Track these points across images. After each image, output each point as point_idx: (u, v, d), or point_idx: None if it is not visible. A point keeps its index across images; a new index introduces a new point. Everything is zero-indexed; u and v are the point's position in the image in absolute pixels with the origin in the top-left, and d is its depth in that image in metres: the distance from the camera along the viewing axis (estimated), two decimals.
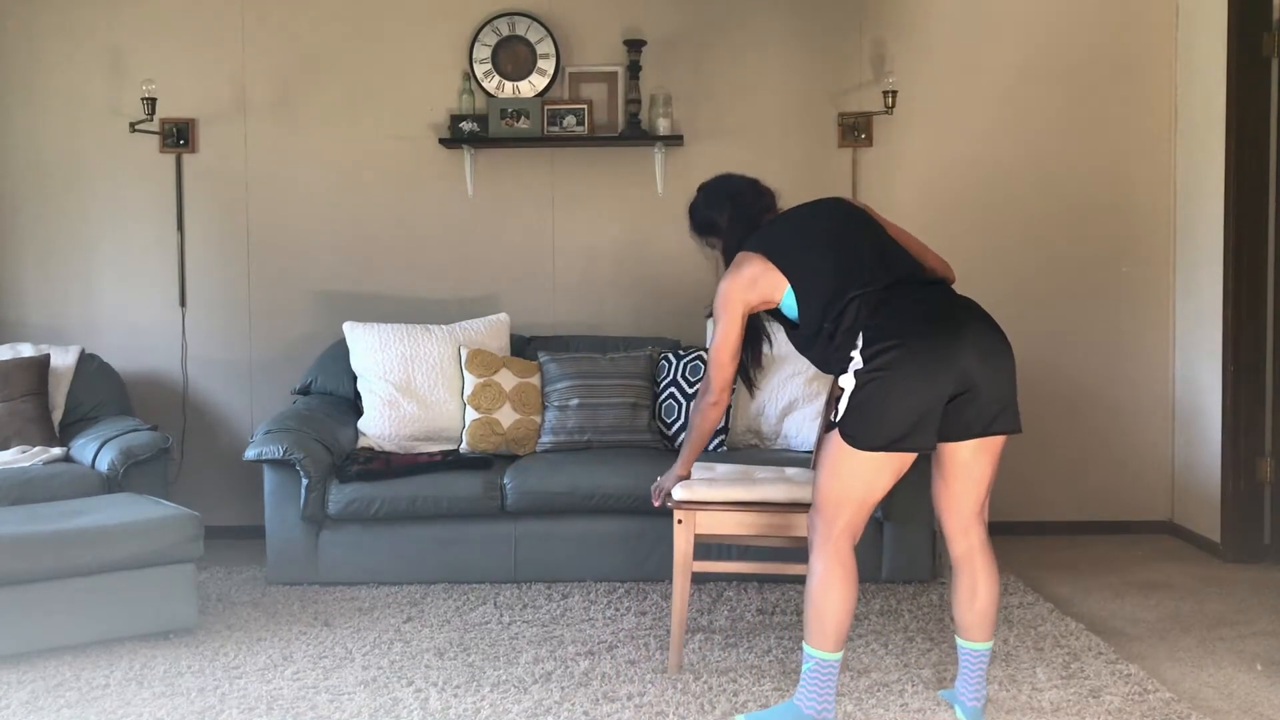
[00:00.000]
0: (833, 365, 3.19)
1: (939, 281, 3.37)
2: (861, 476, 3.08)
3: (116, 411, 5.13)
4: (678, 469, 3.63)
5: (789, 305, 3.26)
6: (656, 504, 3.69)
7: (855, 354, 3.07)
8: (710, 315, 3.49)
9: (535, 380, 5.05)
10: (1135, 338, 5.50)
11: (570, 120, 5.35)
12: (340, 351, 5.19)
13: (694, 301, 5.43)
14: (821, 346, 3.21)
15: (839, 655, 3.09)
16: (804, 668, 3.11)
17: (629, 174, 5.47)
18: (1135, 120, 5.46)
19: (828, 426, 3.19)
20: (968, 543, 3.29)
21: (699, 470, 3.81)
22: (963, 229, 5.48)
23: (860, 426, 3.03)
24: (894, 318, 3.10)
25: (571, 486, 4.54)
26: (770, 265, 3.25)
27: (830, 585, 3.08)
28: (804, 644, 3.11)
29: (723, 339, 3.33)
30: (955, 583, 3.25)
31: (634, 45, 5.34)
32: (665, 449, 4.98)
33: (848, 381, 3.07)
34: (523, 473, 4.65)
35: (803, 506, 3.61)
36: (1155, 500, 5.53)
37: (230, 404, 5.57)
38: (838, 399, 3.12)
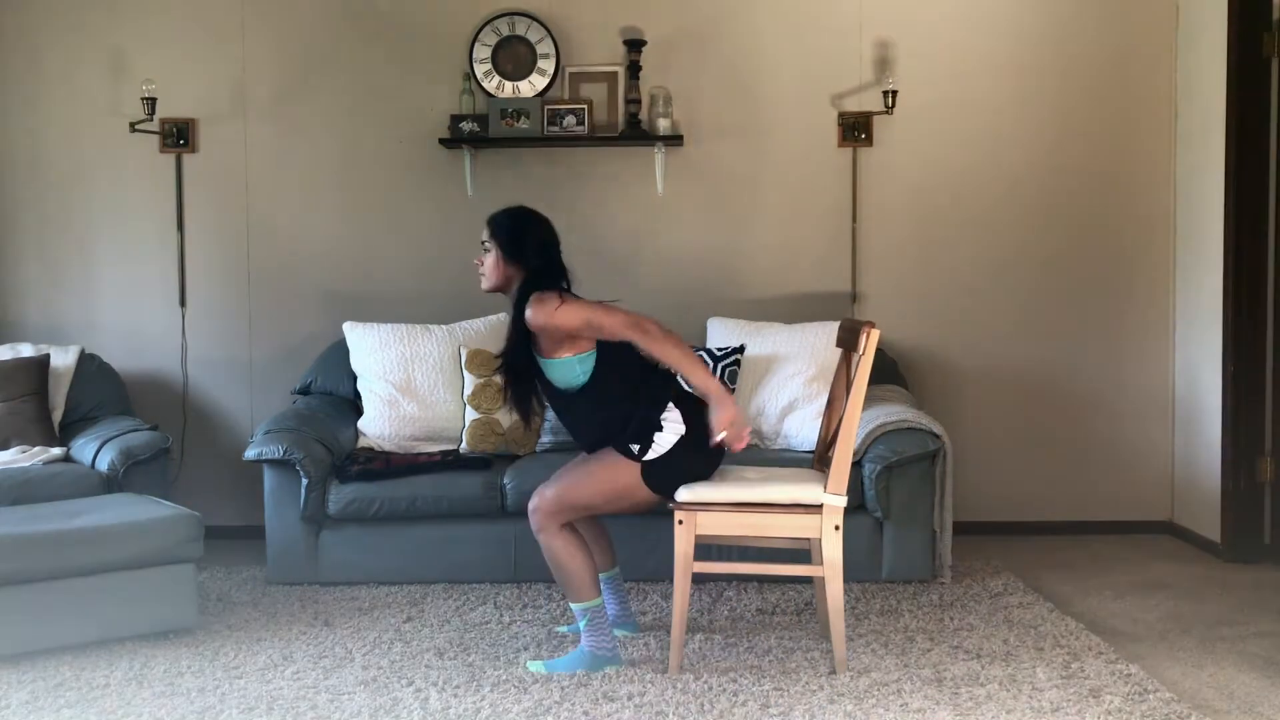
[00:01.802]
0: (619, 434, 3.60)
1: None
2: (619, 504, 3.66)
3: (116, 411, 5.13)
4: (726, 395, 3.55)
5: (573, 368, 3.59)
6: (741, 447, 3.61)
7: (674, 420, 3.58)
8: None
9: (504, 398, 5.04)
10: (1135, 338, 5.50)
11: (570, 120, 5.35)
12: (340, 351, 5.19)
13: (694, 301, 5.44)
14: (613, 406, 3.62)
15: (600, 598, 3.65)
16: (581, 624, 3.63)
17: (629, 174, 5.47)
18: (1135, 120, 5.46)
19: (627, 451, 3.59)
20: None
21: None
22: (963, 229, 5.48)
23: (661, 477, 3.58)
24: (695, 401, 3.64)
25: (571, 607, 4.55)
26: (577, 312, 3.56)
27: (572, 552, 3.62)
28: (572, 605, 3.64)
29: (606, 317, 3.54)
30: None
31: (634, 45, 5.34)
32: None
33: (668, 437, 3.56)
34: (523, 473, 4.65)
35: (803, 507, 3.61)
36: (1155, 500, 5.53)
37: (230, 404, 5.57)
38: (648, 440, 3.56)
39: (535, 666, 3.64)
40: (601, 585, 3.87)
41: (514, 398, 3.74)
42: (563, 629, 4.06)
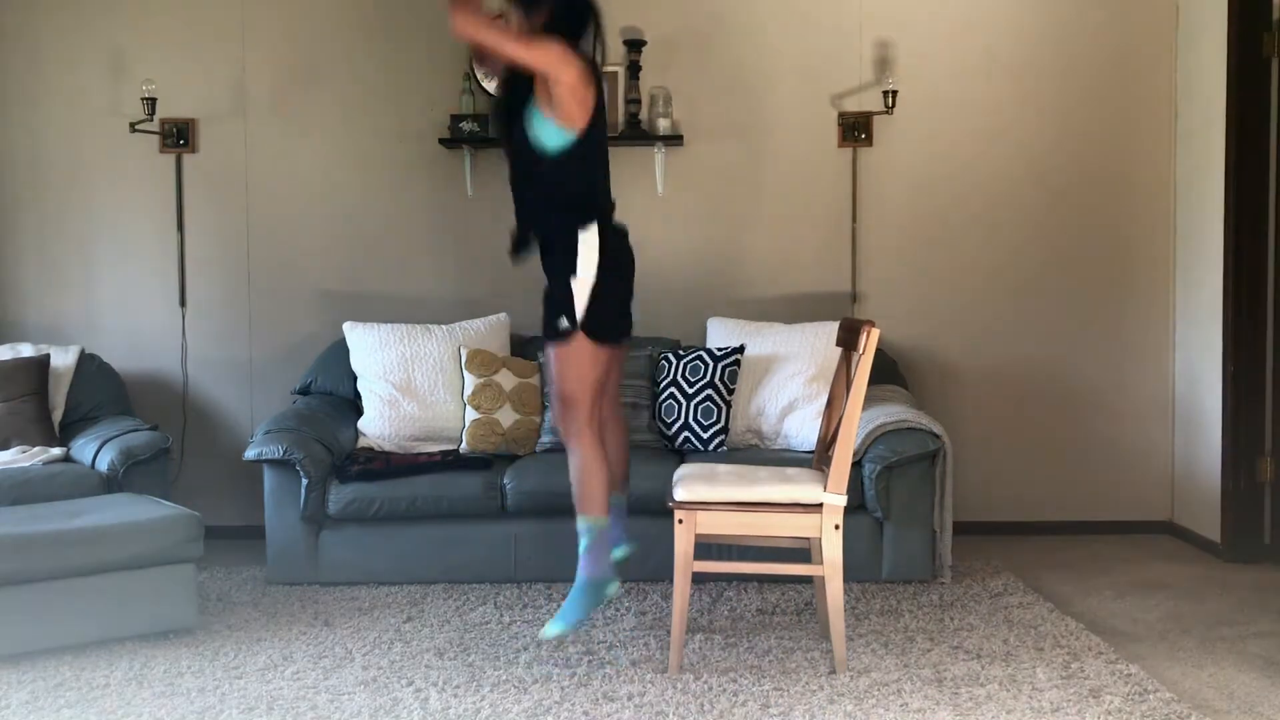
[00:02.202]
0: (563, 210, 3.70)
1: None
2: (597, 372, 3.73)
3: (116, 411, 5.13)
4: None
5: (553, 133, 3.64)
6: None
7: (591, 233, 3.67)
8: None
9: (535, 380, 5.05)
10: (1135, 337, 5.50)
11: None
12: (340, 351, 5.19)
13: (694, 301, 5.44)
14: (570, 186, 3.71)
15: (607, 519, 3.71)
16: (584, 542, 3.66)
17: (629, 174, 5.46)
18: (1135, 120, 5.46)
19: (561, 334, 3.70)
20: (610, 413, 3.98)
21: (699, 470, 3.81)
22: (963, 229, 5.48)
23: (598, 326, 3.69)
24: (620, 237, 3.82)
25: (571, 487, 4.54)
26: (592, 99, 3.67)
27: (597, 462, 3.69)
28: (579, 519, 3.68)
29: (537, 51, 3.60)
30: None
31: (634, 45, 5.34)
32: (665, 449, 4.98)
33: (585, 279, 3.66)
34: (523, 473, 4.65)
35: (803, 506, 3.61)
36: (1155, 500, 5.53)
37: (230, 404, 5.57)
38: (564, 300, 3.67)
39: (550, 631, 3.66)
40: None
41: (497, 122, 3.89)
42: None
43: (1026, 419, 5.53)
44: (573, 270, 3.69)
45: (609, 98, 5.39)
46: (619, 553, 3.98)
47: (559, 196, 3.73)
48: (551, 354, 3.79)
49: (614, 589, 3.72)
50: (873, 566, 4.57)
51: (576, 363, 3.72)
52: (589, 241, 3.69)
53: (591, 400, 3.75)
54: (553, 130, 3.66)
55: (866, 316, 5.39)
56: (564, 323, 3.70)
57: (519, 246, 3.85)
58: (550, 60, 3.59)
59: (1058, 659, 3.72)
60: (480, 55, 4.00)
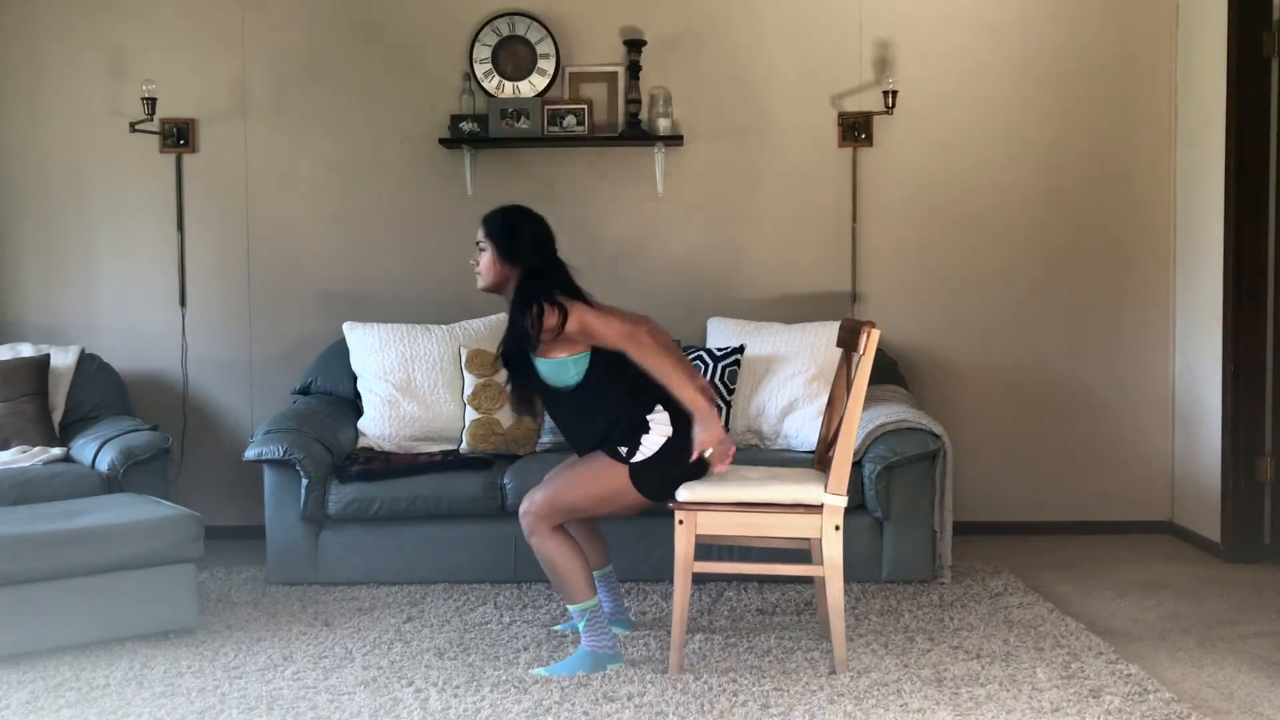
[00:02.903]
0: (609, 430, 3.65)
1: None
2: (608, 507, 3.70)
3: (116, 411, 5.13)
4: (711, 413, 3.57)
5: (566, 369, 3.62)
6: (723, 468, 3.64)
7: (661, 420, 3.62)
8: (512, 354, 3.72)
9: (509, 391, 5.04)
10: (1135, 337, 5.50)
11: (570, 120, 5.35)
12: (340, 351, 5.19)
13: (694, 302, 5.43)
14: (605, 403, 3.66)
15: (597, 597, 3.67)
16: (581, 624, 3.65)
17: (629, 174, 5.47)
18: (1135, 120, 5.46)
19: (615, 455, 3.62)
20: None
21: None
22: (963, 229, 5.48)
23: (650, 479, 3.62)
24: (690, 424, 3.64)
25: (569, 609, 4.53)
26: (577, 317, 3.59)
27: (565, 553, 3.63)
28: (569, 607, 3.65)
29: (603, 326, 3.58)
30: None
31: (634, 45, 5.34)
32: None
33: (655, 439, 3.60)
34: (523, 473, 4.65)
35: (803, 507, 3.61)
36: (1155, 500, 5.53)
37: (230, 404, 5.57)
38: (636, 442, 3.60)
39: (539, 672, 3.63)
40: (596, 583, 3.88)
41: (514, 395, 3.78)
42: (560, 628, 4.07)
43: (1026, 419, 5.53)
44: (646, 428, 3.62)
45: (609, 98, 5.42)
46: (619, 629, 3.98)
47: (594, 422, 3.68)
48: (584, 461, 3.71)
49: (616, 666, 3.65)
50: (873, 566, 4.57)
51: (603, 487, 3.65)
52: (660, 424, 3.62)
53: (573, 517, 3.71)
54: (562, 366, 3.62)
55: (866, 317, 5.39)
56: (623, 449, 3.62)
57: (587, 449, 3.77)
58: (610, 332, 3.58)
59: (1058, 659, 3.72)
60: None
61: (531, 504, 3.67)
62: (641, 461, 3.61)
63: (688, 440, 3.59)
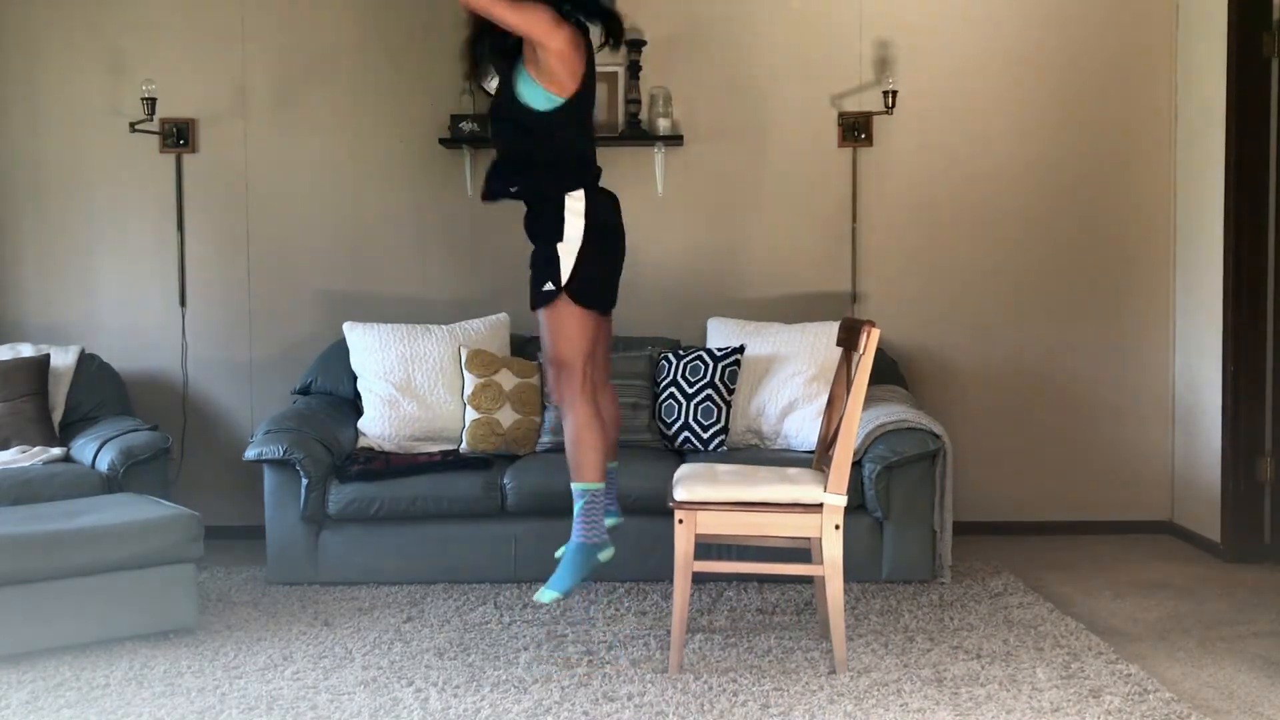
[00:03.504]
0: (547, 170, 3.73)
1: None
2: (586, 337, 3.76)
3: (116, 411, 5.13)
4: None
5: (540, 95, 3.67)
6: None
7: (577, 199, 3.70)
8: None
9: (535, 380, 5.05)
10: (1135, 338, 5.50)
11: None
12: (340, 351, 5.19)
13: (694, 302, 5.44)
14: (555, 152, 3.74)
15: (603, 484, 3.75)
16: (578, 506, 3.71)
17: (629, 174, 5.46)
18: (1135, 120, 5.46)
19: (548, 294, 3.71)
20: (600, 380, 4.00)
21: (700, 470, 3.81)
22: (962, 229, 5.48)
23: (584, 292, 3.71)
24: (608, 201, 3.83)
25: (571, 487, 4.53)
26: (581, 67, 3.69)
27: (591, 425, 3.72)
28: (574, 484, 3.72)
29: (525, 15, 3.59)
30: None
31: (634, 45, 5.34)
32: (665, 449, 4.98)
33: (571, 243, 3.68)
34: (523, 473, 4.65)
35: (803, 506, 3.61)
36: (1155, 500, 5.53)
37: (230, 404, 5.57)
38: (556, 270, 3.69)
39: (543, 596, 3.69)
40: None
41: (470, 46, 3.89)
42: (558, 554, 4.01)
43: (1026, 419, 5.53)
44: (558, 235, 3.72)
45: (609, 98, 5.42)
46: (610, 520, 3.98)
47: (543, 156, 3.76)
48: (541, 319, 3.81)
49: (608, 555, 3.74)
50: (873, 566, 4.57)
51: (565, 327, 3.75)
52: (575, 207, 3.72)
53: (583, 365, 3.77)
54: (539, 92, 3.69)
55: (866, 316, 5.39)
56: (549, 286, 3.72)
57: (492, 194, 3.87)
58: (537, 26, 3.60)
59: (1058, 659, 3.72)
60: (474, 15, 3.91)
61: (551, 383, 3.86)
62: (570, 283, 3.69)
63: (596, 247, 3.72)
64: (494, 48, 3.83)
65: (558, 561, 3.88)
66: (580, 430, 3.74)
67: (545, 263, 3.75)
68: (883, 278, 5.49)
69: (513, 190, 3.81)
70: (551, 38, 3.61)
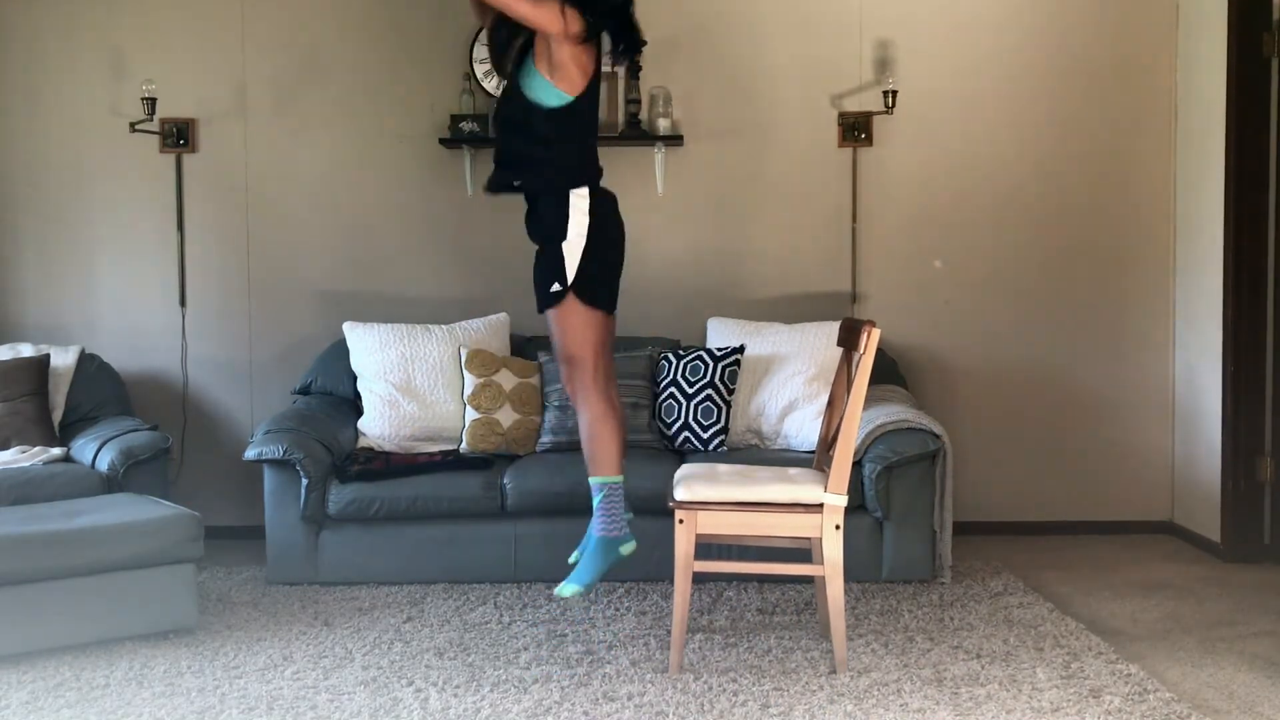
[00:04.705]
0: (551, 168, 3.75)
1: None
2: (594, 335, 3.76)
3: (116, 411, 5.13)
4: None
5: (550, 92, 3.68)
6: None
7: (582, 197, 3.72)
8: None
9: (535, 380, 5.05)
10: (1135, 337, 5.50)
11: None
12: (340, 351, 5.19)
13: (694, 302, 5.43)
14: (562, 149, 3.74)
15: (622, 476, 3.73)
16: (597, 500, 3.70)
17: (629, 174, 5.46)
18: (1135, 120, 5.46)
19: (555, 295, 3.73)
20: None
21: (700, 470, 3.81)
22: (962, 229, 5.48)
23: (589, 289, 3.73)
24: (610, 203, 3.84)
25: (571, 486, 4.53)
26: (591, 65, 3.72)
27: (606, 419, 3.73)
28: (592, 478, 3.72)
29: (539, 8, 3.59)
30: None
31: None
32: (666, 449, 4.98)
33: (575, 242, 3.69)
34: (523, 473, 4.65)
35: (804, 506, 3.61)
36: (1155, 500, 5.52)
37: (230, 404, 5.57)
38: (561, 269, 3.70)
39: (562, 592, 3.69)
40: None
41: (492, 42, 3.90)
42: (571, 558, 3.99)
43: (1026, 419, 5.53)
44: (562, 233, 3.72)
45: (609, 98, 5.42)
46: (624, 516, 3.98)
47: (550, 153, 3.76)
48: (550, 319, 3.83)
49: (629, 548, 3.74)
50: (873, 566, 4.57)
51: (574, 325, 3.77)
52: (580, 205, 3.73)
53: (594, 360, 3.78)
54: (549, 88, 3.69)
55: (867, 316, 5.38)
56: (556, 286, 3.73)
57: (497, 186, 3.88)
58: (550, 20, 3.60)
59: (1058, 659, 3.72)
60: (481, 8, 3.91)
61: (563, 379, 3.87)
62: (576, 281, 3.71)
63: (600, 245, 3.73)
64: (507, 42, 3.84)
65: (572, 566, 3.89)
66: (595, 424, 3.75)
67: (551, 264, 3.76)
68: (883, 278, 5.49)
69: (516, 184, 3.83)
70: (567, 34, 3.61)
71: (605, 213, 3.80)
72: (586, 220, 3.73)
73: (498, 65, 3.96)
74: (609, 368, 3.92)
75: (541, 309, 3.85)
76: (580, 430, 3.81)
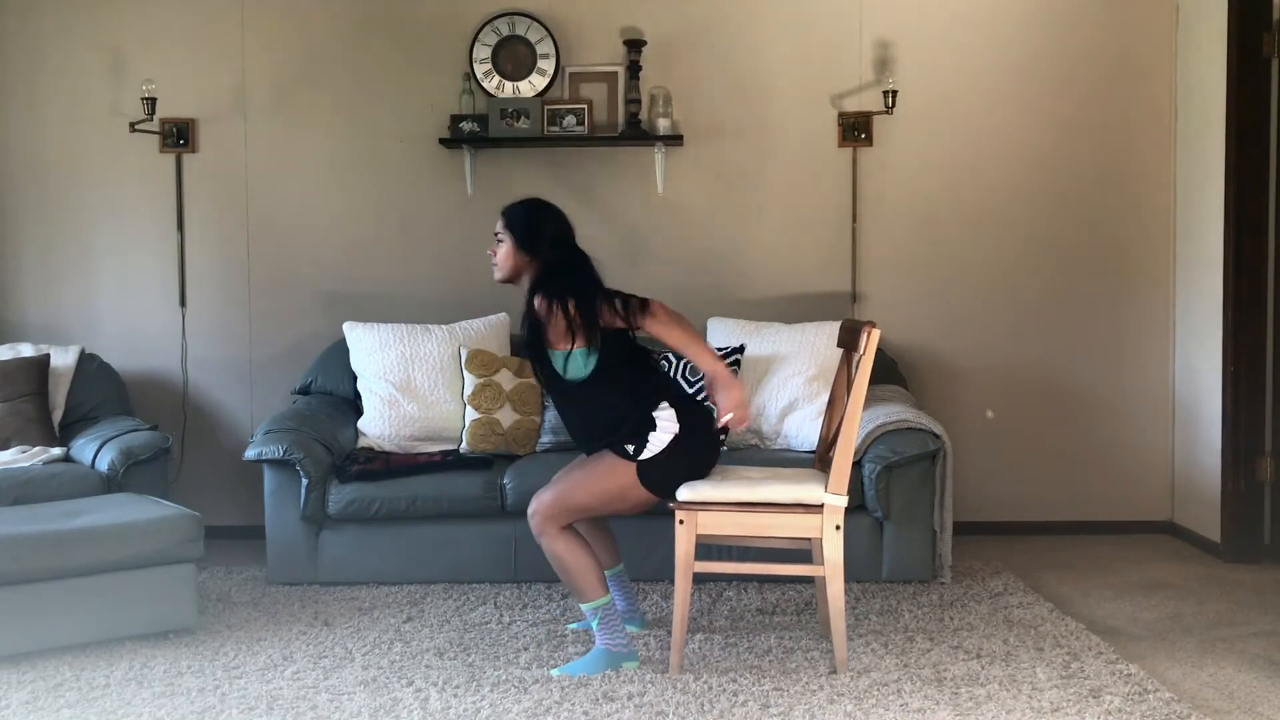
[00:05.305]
0: (610, 430, 3.65)
1: None
2: (616, 505, 3.69)
3: (116, 411, 5.13)
4: (731, 376, 3.62)
5: (574, 362, 3.63)
6: (743, 426, 3.76)
7: (666, 411, 3.62)
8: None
9: (535, 380, 5.05)
10: (1135, 338, 5.50)
11: (570, 120, 5.35)
12: (340, 351, 5.19)
13: (694, 301, 5.43)
14: (609, 402, 3.66)
15: (609, 595, 3.66)
16: (594, 623, 3.64)
17: (629, 174, 5.47)
18: (1135, 120, 5.46)
19: (622, 453, 3.62)
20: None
21: None
22: (963, 228, 5.48)
23: (657, 477, 3.61)
24: (704, 415, 3.75)
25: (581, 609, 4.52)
26: (579, 317, 3.61)
27: (575, 553, 3.64)
28: (582, 606, 3.65)
29: (608, 315, 3.60)
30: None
31: (634, 45, 5.34)
32: None
33: (662, 435, 3.59)
34: (523, 473, 4.65)
35: (804, 507, 3.61)
36: (1155, 500, 5.53)
37: (230, 404, 5.57)
38: (643, 439, 3.59)
39: (558, 672, 3.62)
40: (608, 582, 3.87)
41: (541, 383, 3.82)
42: (573, 626, 4.06)
43: (1026, 419, 5.53)
44: (643, 442, 3.61)
45: (609, 98, 5.42)
46: (633, 627, 3.97)
47: (602, 417, 3.68)
48: (592, 460, 3.72)
49: (632, 665, 3.65)
50: (873, 566, 4.57)
51: (611, 485, 3.65)
52: (666, 418, 3.63)
53: (582, 515, 3.72)
54: (571, 358, 3.63)
55: (866, 316, 5.39)
56: (629, 447, 3.62)
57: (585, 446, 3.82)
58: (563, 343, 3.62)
59: (1058, 659, 3.72)
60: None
61: (540, 504, 3.68)
62: (649, 459, 3.61)
63: (694, 438, 3.61)
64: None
65: (571, 632, 3.93)
66: (561, 559, 3.65)
67: (640, 421, 3.62)
68: (883, 278, 5.49)
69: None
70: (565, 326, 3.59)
71: (699, 420, 3.67)
72: (676, 429, 3.61)
73: (535, 370, 3.82)
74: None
75: (589, 446, 3.74)
76: (551, 563, 3.70)
